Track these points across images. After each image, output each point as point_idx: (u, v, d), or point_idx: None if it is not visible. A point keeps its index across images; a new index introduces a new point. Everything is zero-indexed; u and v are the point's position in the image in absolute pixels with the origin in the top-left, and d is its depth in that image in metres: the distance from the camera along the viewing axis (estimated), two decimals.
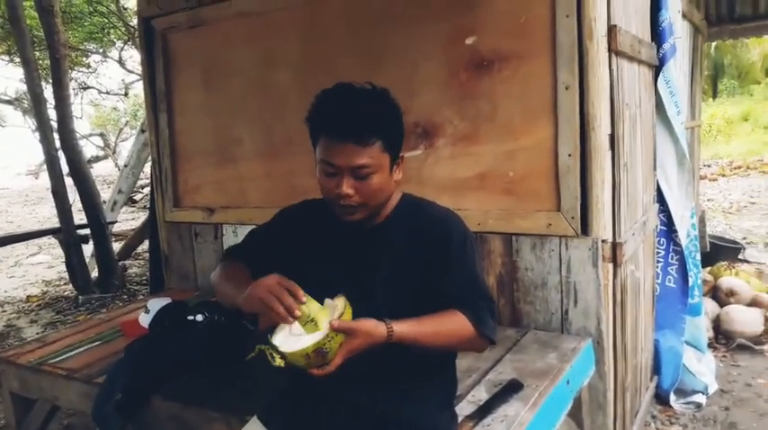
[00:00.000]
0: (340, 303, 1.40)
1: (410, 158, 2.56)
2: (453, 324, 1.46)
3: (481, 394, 1.93)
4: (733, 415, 2.88)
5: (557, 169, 2.30)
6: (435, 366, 1.57)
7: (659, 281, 3.19)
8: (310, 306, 1.36)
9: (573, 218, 2.28)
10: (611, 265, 2.32)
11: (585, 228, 2.28)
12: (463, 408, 1.83)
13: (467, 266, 1.52)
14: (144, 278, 6.39)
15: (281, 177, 2.99)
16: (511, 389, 1.92)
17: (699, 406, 2.96)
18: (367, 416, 1.49)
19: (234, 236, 3.18)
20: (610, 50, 2.26)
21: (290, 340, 1.34)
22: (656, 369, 3.15)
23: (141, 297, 5.67)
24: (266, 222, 1.75)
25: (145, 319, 2.65)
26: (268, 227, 1.73)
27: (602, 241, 2.27)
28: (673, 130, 3.05)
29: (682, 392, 3.09)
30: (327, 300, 1.41)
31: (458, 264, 1.51)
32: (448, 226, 1.54)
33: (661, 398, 3.09)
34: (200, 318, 2.38)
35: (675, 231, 3.14)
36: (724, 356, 3.56)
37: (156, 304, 2.68)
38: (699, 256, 3.43)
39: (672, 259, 3.22)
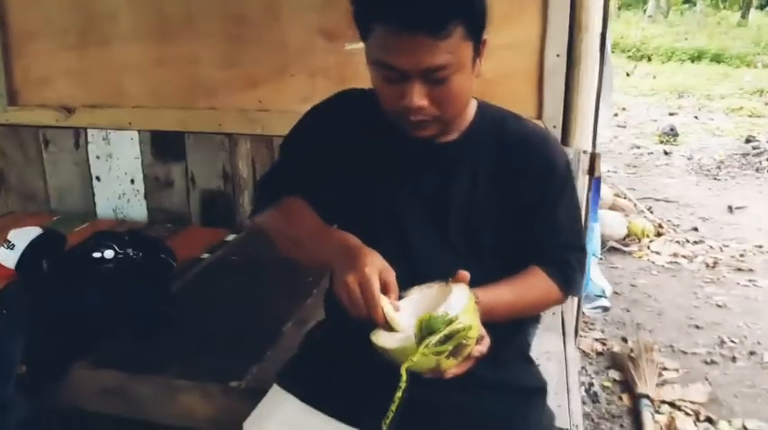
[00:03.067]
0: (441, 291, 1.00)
1: (359, 52, 2.12)
2: (538, 289, 1.17)
3: None
4: (635, 315, 3.07)
5: (541, 71, 2.06)
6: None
7: None
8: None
9: (555, 127, 2.08)
10: (587, 178, 2.19)
11: (566, 137, 2.10)
12: None
13: (564, 211, 1.19)
14: None
15: (177, 66, 2.35)
16: None
17: (606, 309, 3.10)
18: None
19: (106, 144, 2.48)
20: None
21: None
22: None
23: None
24: (297, 132, 1.26)
25: (8, 257, 1.94)
26: (303, 138, 1.24)
27: (583, 152, 2.11)
28: None
29: (587, 298, 3.21)
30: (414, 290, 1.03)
31: (554, 209, 1.18)
32: (549, 158, 1.18)
33: None
34: (109, 254, 1.78)
35: None
36: (600, 259, 3.79)
37: (21, 237, 1.96)
38: None
39: None
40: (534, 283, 1.17)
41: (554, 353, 1.60)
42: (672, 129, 6.94)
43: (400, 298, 1.00)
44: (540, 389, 1.25)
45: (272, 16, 2.25)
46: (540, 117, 2.09)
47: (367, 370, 1.04)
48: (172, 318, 1.76)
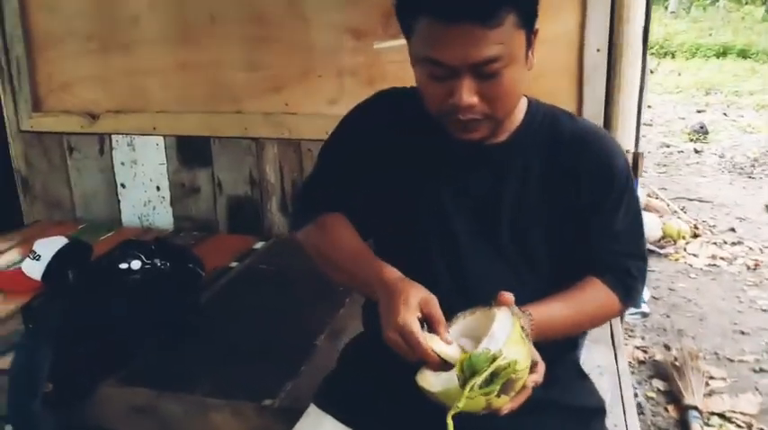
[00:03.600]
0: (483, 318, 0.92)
1: (389, 51, 2.04)
2: (596, 302, 1.08)
3: None
4: (675, 321, 2.95)
5: (581, 67, 1.97)
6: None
7: None
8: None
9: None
10: None
11: None
12: None
13: (624, 216, 1.09)
14: None
15: (201, 70, 2.30)
16: None
17: (645, 315, 2.98)
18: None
19: (131, 150, 2.43)
20: None
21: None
22: None
23: None
24: (335, 137, 1.18)
25: (34, 268, 1.89)
26: (342, 143, 1.17)
27: (626, 151, 2.01)
28: None
29: None
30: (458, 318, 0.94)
31: (613, 213, 1.08)
32: (608, 158, 1.08)
33: None
34: (136, 265, 1.72)
35: None
36: None
37: (47, 247, 1.92)
38: None
39: None
40: (592, 295, 1.08)
41: (606, 367, 1.51)
42: (702, 127, 6.76)
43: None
44: (599, 408, 1.16)
45: (296, 16, 2.18)
46: (579, 115, 1.99)
47: (411, 387, 0.95)
48: (201, 329, 1.70)
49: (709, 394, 2.34)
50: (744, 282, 3.37)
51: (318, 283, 1.86)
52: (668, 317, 3.00)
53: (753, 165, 5.70)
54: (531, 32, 0.98)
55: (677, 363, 2.44)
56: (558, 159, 1.07)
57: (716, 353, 2.66)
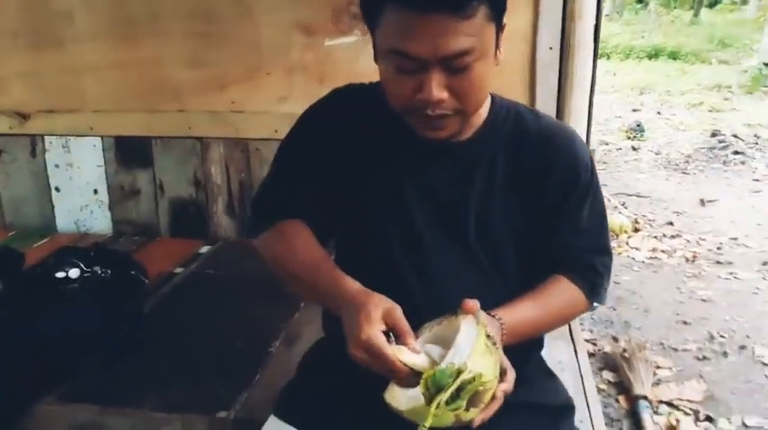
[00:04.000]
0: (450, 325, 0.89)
1: (340, 48, 2.00)
2: (563, 299, 1.07)
3: None
4: (622, 314, 3.01)
5: (533, 64, 1.98)
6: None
7: None
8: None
9: None
10: None
11: None
12: None
13: (589, 212, 1.09)
14: None
15: (141, 68, 2.19)
16: None
17: (593, 308, 3.03)
18: None
19: (65, 152, 2.29)
20: None
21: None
22: None
23: None
24: (291, 137, 1.12)
25: None
26: (298, 143, 1.11)
27: None
28: None
29: None
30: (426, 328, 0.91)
31: (579, 209, 1.07)
32: (573, 155, 1.06)
33: None
34: (74, 273, 1.62)
35: None
36: None
37: None
38: None
39: None
40: (560, 293, 1.07)
41: (567, 363, 1.51)
42: (638, 125, 6.99)
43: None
44: (567, 406, 1.15)
45: (243, 11, 2.11)
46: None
47: (376, 394, 0.92)
48: (145, 340, 1.61)
49: (657, 383, 2.40)
50: (683, 274, 3.48)
51: (271, 287, 1.80)
52: (614, 309, 3.07)
53: (687, 161, 5.93)
54: (499, 27, 0.96)
55: (626, 355, 2.49)
56: (523, 157, 1.06)
57: (661, 344, 2.73)
